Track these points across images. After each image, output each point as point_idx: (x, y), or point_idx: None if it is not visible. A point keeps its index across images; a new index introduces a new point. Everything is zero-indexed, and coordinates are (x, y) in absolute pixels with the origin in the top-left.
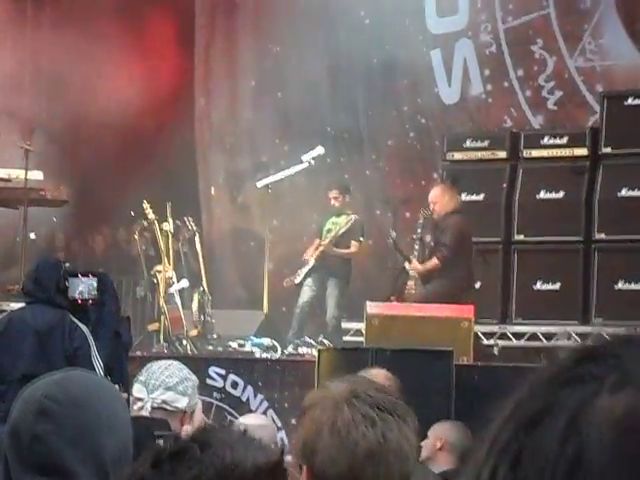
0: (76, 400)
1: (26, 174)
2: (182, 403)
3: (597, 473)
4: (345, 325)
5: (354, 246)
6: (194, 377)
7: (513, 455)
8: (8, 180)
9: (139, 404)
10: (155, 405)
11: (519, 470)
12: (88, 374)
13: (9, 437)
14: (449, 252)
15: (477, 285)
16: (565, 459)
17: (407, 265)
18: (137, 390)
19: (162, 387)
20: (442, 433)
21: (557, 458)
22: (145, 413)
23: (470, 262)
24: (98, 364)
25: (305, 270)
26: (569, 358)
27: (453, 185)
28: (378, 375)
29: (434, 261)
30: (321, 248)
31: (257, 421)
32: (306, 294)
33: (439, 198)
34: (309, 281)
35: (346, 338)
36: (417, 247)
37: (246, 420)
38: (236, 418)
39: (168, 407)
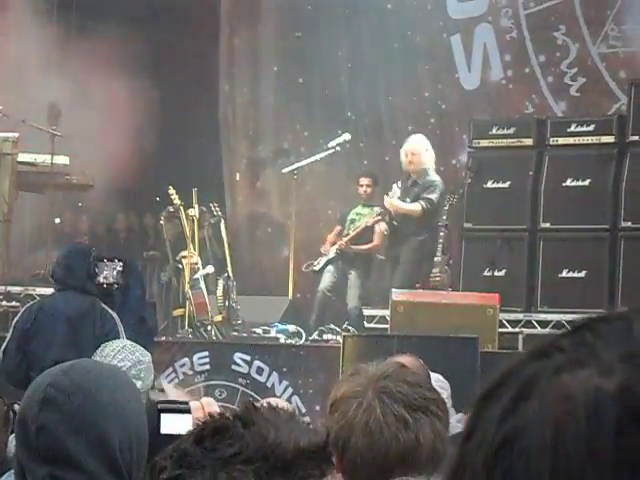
0: (81, 389)
1: (52, 159)
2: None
3: (528, 453)
4: (368, 312)
5: (377, 239)
6: (147, 358)
7: (467, 428)
8: (34, 165)
9: None
10: None
11: (468, 443)
12: (97, 362)
13: (17, 427)
14: (434, 207)
15: (502, 272)
16: (503, 432)
17: (385, 199)
18: None
19: None
20: None
21: (496, 430)
22: None
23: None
24: None
25: (325, 260)
26: (559, 333)
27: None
28: (405, 362)
29: (416, 206)
30: (339, 245)
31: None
32: (327, 279)
33: (422, 151)
34: (330, 267)
35: (369, 325)
36: (442, 233)
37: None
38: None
39: None
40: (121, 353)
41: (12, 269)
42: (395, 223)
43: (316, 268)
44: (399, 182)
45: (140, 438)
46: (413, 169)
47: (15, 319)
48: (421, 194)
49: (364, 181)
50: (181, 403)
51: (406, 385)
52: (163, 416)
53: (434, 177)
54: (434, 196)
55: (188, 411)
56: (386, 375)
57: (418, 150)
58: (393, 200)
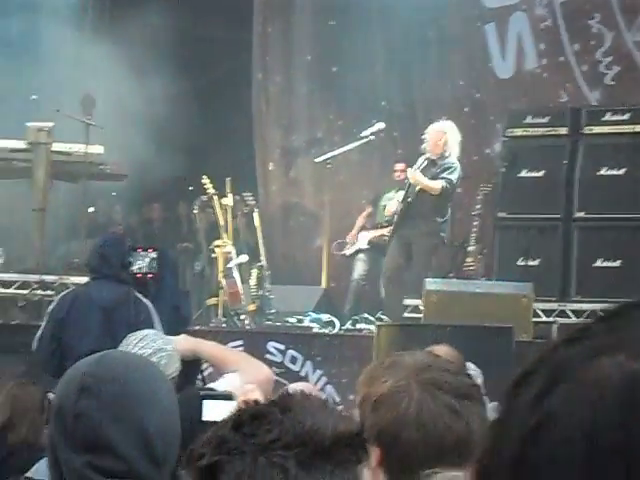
0: (117, 377)
1: (86, 148)
2: None
3: (563, 437)
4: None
5: None
6: (170, 347)
7: (499, 415)
8: (69, 154)
9: None
10: None
11: (499, 428)
12: (128, 353)
13: (54, 416)
14: (452, 189)
15: (536, 262)
16: (537, 417)
17: (409, 172)
18: None
19: None
20: None
21: (529, 415)
22: None
23: None
24: None
25: (355, 247)
26: (589, 320)
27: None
28: (442, 352)
29: (438, 183)
30: (373, 238)
31: (305, 389)
32: (360, 268)
33: (444, 134)
34: (362, 256)
35: (403, 314)
36: (475, 223)
37: (294, 388)
38: None
39: None
40: (143, 341)
41: (46, 258)
42: (409, 200)
43: (347, 253)
44: (425, 157)
45: (174, 428)
46: (433, 149)
47: (50, 308)
48: (439, 175)
49: (399, 166)
50: (223, 391)
51: (449, 374)
52: (205, 403)
53: (454, 160)
54: (454, 177)
55: (230, 398)
56: (428, 366)
57: (442, 132)
58: (416, 173)
